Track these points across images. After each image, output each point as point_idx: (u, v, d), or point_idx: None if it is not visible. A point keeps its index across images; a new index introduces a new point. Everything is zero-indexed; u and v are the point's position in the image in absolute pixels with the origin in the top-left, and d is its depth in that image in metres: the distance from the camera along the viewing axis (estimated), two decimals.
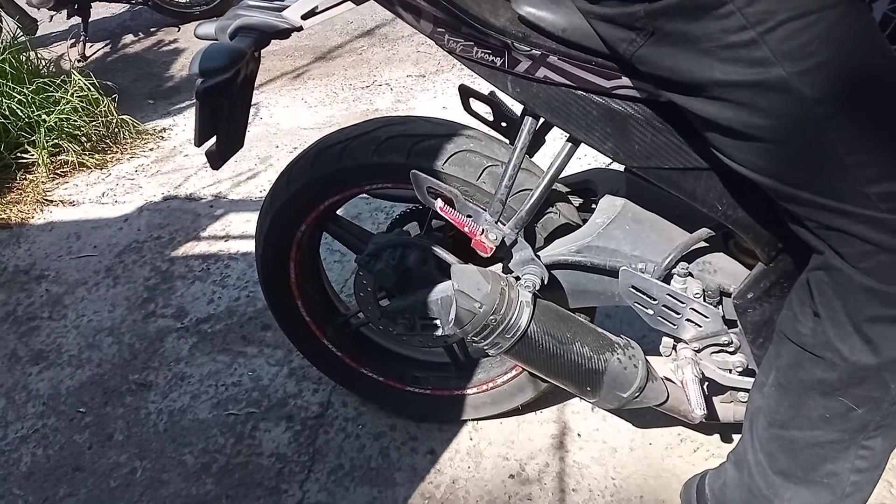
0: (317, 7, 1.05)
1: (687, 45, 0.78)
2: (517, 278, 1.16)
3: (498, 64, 0.98)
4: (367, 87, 2.95)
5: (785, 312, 0.98)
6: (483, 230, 1.12)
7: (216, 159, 1.13)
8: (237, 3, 3.89)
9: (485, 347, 1.12)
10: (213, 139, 1.10)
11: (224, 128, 1.10)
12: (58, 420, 1.69)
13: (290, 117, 2.84)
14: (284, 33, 1.07)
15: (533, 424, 1.50)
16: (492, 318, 1.07)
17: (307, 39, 3.53)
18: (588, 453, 1.44)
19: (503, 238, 1.12)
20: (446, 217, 1.12)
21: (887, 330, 0.86)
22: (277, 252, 1.34)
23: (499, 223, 1.13)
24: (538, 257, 1.16)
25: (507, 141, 1.26)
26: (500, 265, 1.22)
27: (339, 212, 1.38)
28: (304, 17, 1.05)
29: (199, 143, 1.09)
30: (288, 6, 1.05)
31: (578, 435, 1.47)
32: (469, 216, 1.12)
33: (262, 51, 1.11)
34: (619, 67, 0.94)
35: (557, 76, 0.97)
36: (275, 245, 1.34)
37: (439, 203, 1.11)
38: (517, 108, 1.17)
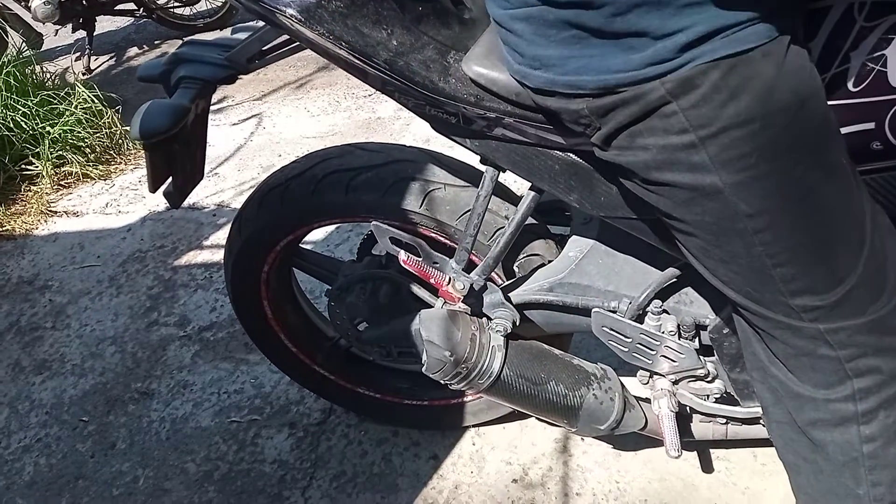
0: (263, 49, 1.00)
1: (629, 140, 0.75)
2: (488, 318, 1.14)
3: (453, 121, 0.92)
4: (370, 95, 2.95)
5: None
6: (450, 279, 1.09)
7: (176, 199, 1.07)
8: (235, 20, 3.91)
9: (461, 389, 1.11)
10: (170, 180, 1.05)
11: (180, 167, 1.05)
12: (60, 429, 1.69)
13: (293, 126, 2.85)
14: (230, 79, 1.03)
15: (536, 428, 1.49)
16: (463, 366, 1.06)
17: (309, 50, 3.54)
18: (592, 457, 1.42)
19: (471, 285, 1.09)
20: (411, 270, 1.08)
21: (829, 433, 0.86)
22: (247, 295, 1.32)
23: (466, 271, 1.09)
24: (509, 299, 1.13)
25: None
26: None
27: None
28: (250, 60, 1.01)
29: (153, 188, 1.04)
30: (234, 47, 1.01)
31: (582, 438, 1.46)
32: (435, 264, 1.09)
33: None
34: None
35: (515, 134, 0.92)
36: (243, 289, 1.32)
37: (403, 255, 1.07)
38: None
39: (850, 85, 0.79)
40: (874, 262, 0.79)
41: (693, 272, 0.88)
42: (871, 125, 0.81)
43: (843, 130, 0.81)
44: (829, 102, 0.79)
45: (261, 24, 1.02)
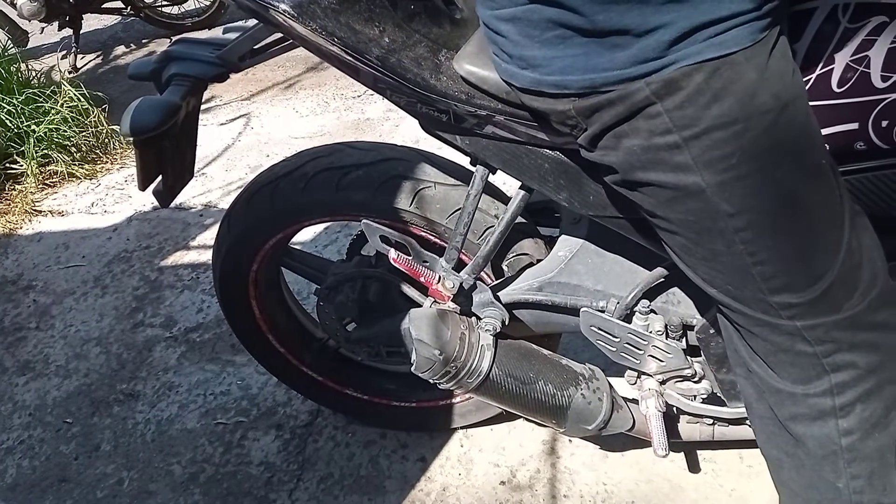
0: (254, 48, 1.01)
1: (614, 141, 0.76)
2: (478, 317, 1.14)
3: (444, 119, 0.93)
4: (359, 96, 2.95)
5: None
6: (440, 278, 1.09)
7: (165, 197, 1.07)
8: (223, 20, 3.89)
9: (450, 388, 1.12)
10: (159, 178, 1.05)
11: (169, 166, 1.05)
12: (44, 431, 1.67)
13: (282, 127, 2.84)
14: (221, 77, 1.03)
15: (524, 430, 1.49)
16: (452, 364, 1.07)
17: (299, 50, 3.53)
18: (579, 459, 1.42)
19: (461, 284, 1.09)
20: (401, 268, 1.08)
21: (809, 428, 0.87)
22: (236, 294, 1.32)
23: (455, 270, 1.09)
24: (498, 298, 1.13)
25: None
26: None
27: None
28: (241, 58, 1.01)
29: (142, 187, 1.03)
30: (226, 45, 1.01)
31: (570, 440, 1.46)
32: (425, 262, 1.10)
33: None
34: None
35: (505, 133, 0.92)
36: (231, 288, 1.31)
37: (393, 254, 1.07)
38: None
39: (834, 86, 0.81)
40: (850, 261, 0.80)
41: (681, 272, 0.90)
42: (855, 126, 0.82)
43: (827, 131, 0.82)
44: (814, 103, 0.80)
45: (251, 23, 1.02)
